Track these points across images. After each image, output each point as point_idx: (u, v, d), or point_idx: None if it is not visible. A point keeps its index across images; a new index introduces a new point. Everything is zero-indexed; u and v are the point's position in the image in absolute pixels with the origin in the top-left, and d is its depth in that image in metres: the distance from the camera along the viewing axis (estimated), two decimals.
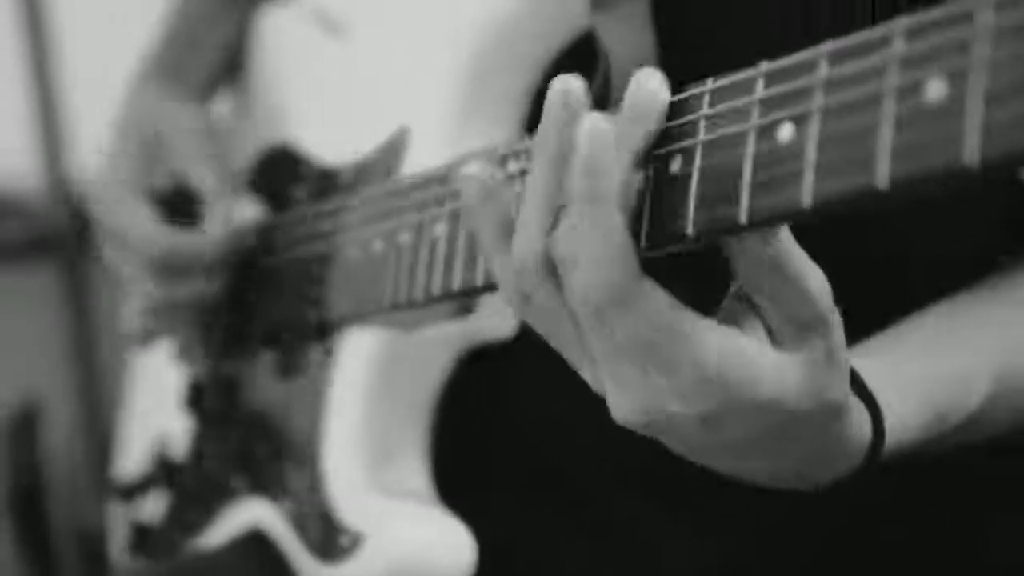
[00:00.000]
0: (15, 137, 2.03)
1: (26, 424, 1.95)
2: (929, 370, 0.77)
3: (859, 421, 0.69)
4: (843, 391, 0.67)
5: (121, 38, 1.23)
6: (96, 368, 1.58)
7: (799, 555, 0.90)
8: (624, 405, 0.65)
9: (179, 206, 1.08)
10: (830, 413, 0.67)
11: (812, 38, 0.68)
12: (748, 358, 0.63)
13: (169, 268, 1.05)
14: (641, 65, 0.83)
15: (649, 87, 0.62)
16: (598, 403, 0.69)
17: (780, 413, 0.64)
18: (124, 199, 1.08)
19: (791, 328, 0.63)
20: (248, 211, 1.05)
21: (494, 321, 0.91)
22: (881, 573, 0.91)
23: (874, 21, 0.54)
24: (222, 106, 1.21)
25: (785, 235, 0.61)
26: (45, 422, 1.95)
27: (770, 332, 0.63)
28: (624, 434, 0.68)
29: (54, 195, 1.94)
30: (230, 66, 1.19)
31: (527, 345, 0.90)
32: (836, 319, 0.64)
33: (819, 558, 0.90)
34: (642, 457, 0.77)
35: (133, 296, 1.10)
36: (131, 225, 1.07)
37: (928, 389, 0.76)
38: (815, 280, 0.62)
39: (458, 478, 0.96)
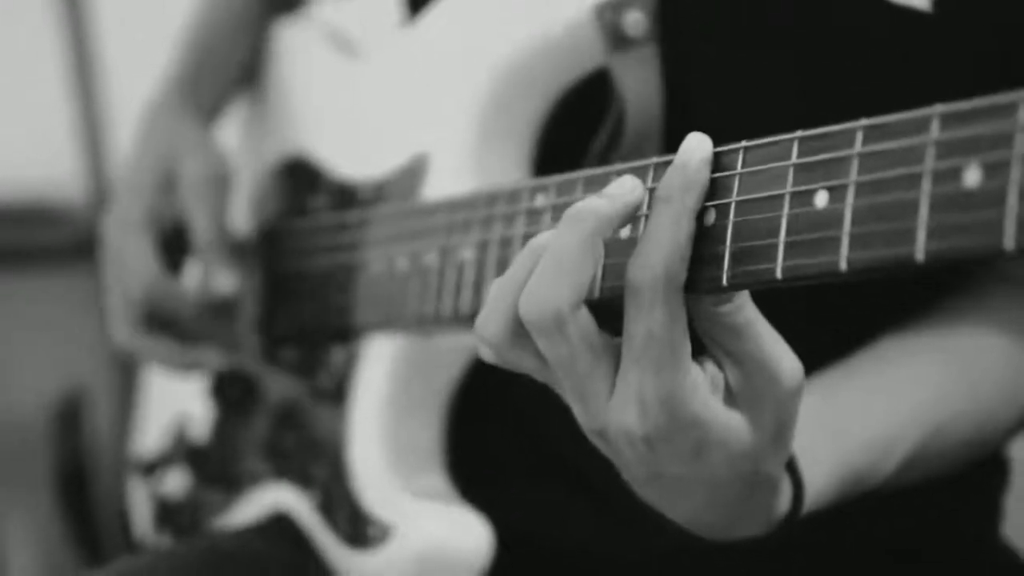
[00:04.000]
0: (59, 149, 2.00)
1: (72, 412, 1.93)
2: (849, 437, 0.76)
3: (783, 492, 0.69)
4: (780, 468, 0.66)
5: (161, 48, 1.20)
6: (135, 360, 1.56)
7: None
8: (582, 416, 0.66)
9: (180, 246, 1.07)
10: (763, 484, 0.67)
11: (816, 93, 0.68)
12: (703, 395, 0.63)
13: (149, 301, 1.05)
14: (652, 106, 0.83)
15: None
16: None
17: (717, 463, 0.64)
18: (132, 225, 1.06)
19: (747, 392, 0.63)
20: (224, 281, 1.04)
21: None
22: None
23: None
24: (233, 122, 1.19)
25: (745, 299, 0.61)
26: (89, 410, 1.93)
27: (728, 391, 0.63)
28: None
29: (95, 203, 1.90)
30: (245, 79, 1.18)
31: None
32: (796, 404, 0.63)
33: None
34: None
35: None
36: (129, 256, 1.06)
37: (846, 457, 0.75)
38: (782, 353, 0.62)
39: (470, 467, 0.96)
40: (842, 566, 0.92)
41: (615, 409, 0.64)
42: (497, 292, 0.66)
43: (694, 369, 0.62)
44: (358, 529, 0.91)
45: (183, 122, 1.11)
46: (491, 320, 0.66)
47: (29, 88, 2.04)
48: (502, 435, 0.98)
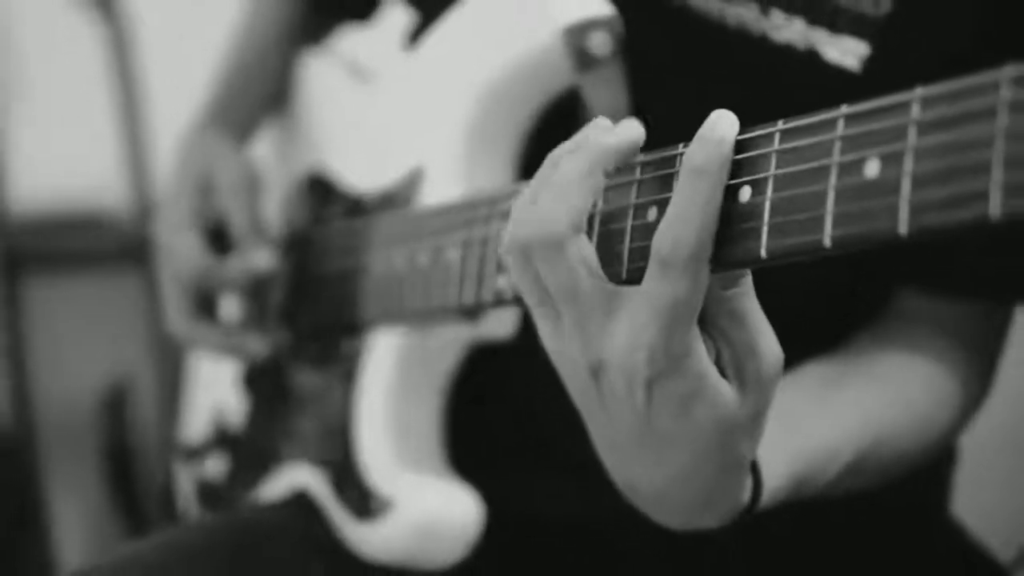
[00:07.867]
0: (106, 163, 2.02)
1: (118, 399, 1.95)
2: (797, 445, 0.72)
3: (746, 486, 0.66)
4: (753, 452, 0.63)
5: (199, 73, 1.22)
6: (175, 352, 1.57)
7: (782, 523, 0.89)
8: (578, 347, 0.61)
9: (220, 239, 1.09)
10: (737, 465, 0.63)
11: (758, 102, 0.67)
12: (704, 354, 0.59)
13: (199, 285, 1.07)
14: (617, 118, 0.82)
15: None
16: None
17: (703, 421, 0.60)
18: (179, 225, 1.08)
19: (733, 371, 0.60)
20: (262, 258, 1.05)
21: (496, 325, 0.91)
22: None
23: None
24: (265, 141, 1.20)
25: (748, 288, 0.59)
26: (133, 397, 1.95)
27: (718, 365, 0.60)
28: None
29: (140, 212, 1.92)
30: (274, 105, 1.19)
31: (521, 342, 0.91)
32: (773, 392, 0.60)
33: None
34: None
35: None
36: (178, 249, 1.07)
37: (794, 463, 0.71)
38: (770, 344, 0.59)
39: (466, 449, 0.96)
40: (791, 541, 0.91)
41: (622, 348, 0.59)
42: (513, 215, 0.63)
43: (700, 332, 0.59)
44: (364, 503, 0.91)
45: (217, 142, 1.13)
46: (506, 244, 0.63)
47: (79, 110, 2.06)
48: (497, 420, 0.98)
